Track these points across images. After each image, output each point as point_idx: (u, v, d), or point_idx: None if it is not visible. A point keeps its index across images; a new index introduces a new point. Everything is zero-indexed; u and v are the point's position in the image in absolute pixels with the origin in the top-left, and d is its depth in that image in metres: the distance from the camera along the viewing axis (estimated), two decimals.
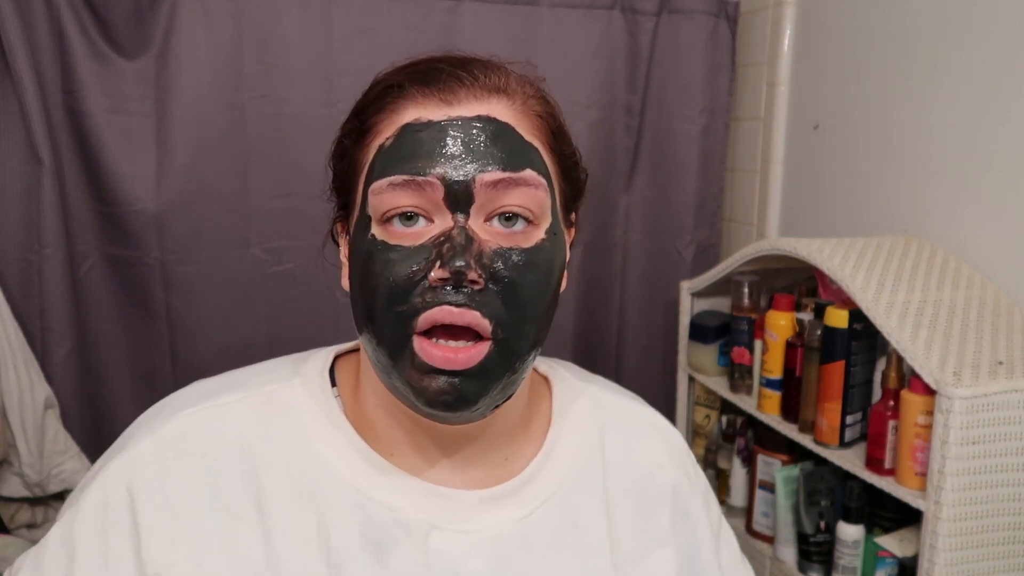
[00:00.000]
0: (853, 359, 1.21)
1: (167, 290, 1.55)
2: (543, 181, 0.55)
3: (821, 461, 1.29)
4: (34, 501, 1.51)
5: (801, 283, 1.51)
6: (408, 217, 0.53)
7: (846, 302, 1.21)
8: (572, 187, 0.61)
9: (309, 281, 1.59)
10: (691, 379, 1.69)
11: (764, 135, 1.77)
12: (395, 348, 0.53)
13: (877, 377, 1.24)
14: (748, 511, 1.48)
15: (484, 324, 0.52)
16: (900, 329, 1.09)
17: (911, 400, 1.07)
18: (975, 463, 1.00)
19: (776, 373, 1.35)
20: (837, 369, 1.21)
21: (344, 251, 0.61)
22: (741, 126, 1.86)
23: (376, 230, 0.54)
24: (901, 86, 1.41)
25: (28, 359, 1.46)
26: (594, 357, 1.88)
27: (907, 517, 1.19)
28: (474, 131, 0.53)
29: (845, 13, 1.55)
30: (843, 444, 1.22)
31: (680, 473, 0.70)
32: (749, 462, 1.49)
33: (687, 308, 1.66)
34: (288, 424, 0.59)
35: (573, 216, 0.63)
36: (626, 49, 1.73)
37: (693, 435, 1.72)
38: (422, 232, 0.53)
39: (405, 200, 0.53)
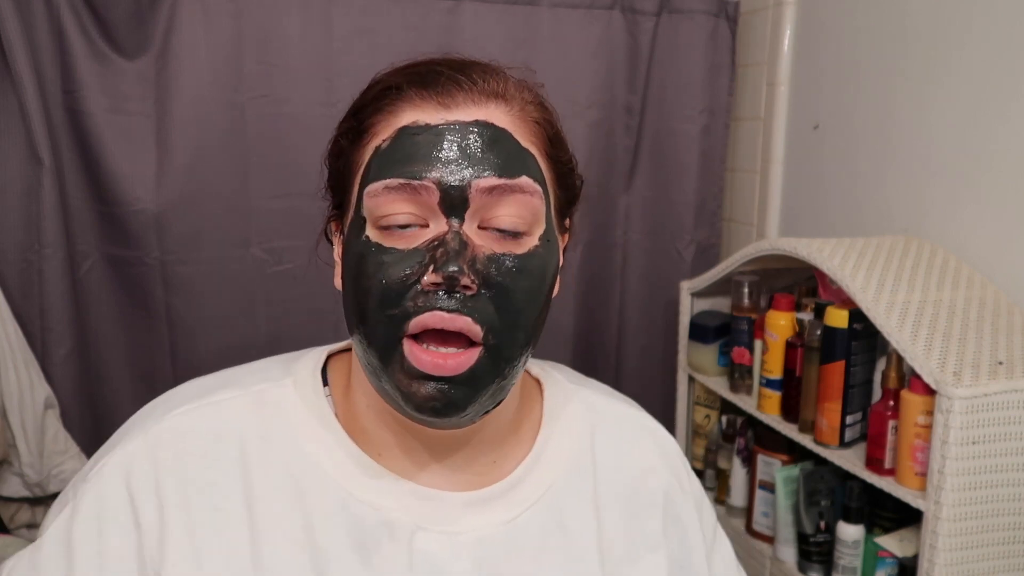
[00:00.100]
0: (853, 359, 1.21)
1: (167, 290, 1.55)
2: (538, 188, 0.55)
3: (821, 461, 1.29)
4: (34, 501, 1.51)
5: (801, 283, 1.51)
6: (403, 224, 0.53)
7: (846, 302, 1.21)
8: (567, 193, 0.61)
9: (309, 281, 1.59)
10: (691, 379, 1.69)
11: (764, 135, 1.77)
12: (385, 351, 0.53)
13: (877, 377, 1.24)
14: (748, 511, 1.47)
15: (475, 330, 0.52)
16: (900, 329, 1.09)
17: (911, 400, 1.07)
18: (975, 463, 1.00)
19: (776, 373, 1.35)
20: (837, 369, 1.21)
21: (337, 250, 0.61)
22: (741, 126, 1.86)
23: (370, 232, 0.54)
24: (901, 86, 1.41)
25: (28, 359, 1.46)
26: (594, 357, 1.88)
27: (907, 517, 1.19)
28: (471, 136, 0.53)
29: (845, 13, 1.55)
30: (843, 444, 1.22)
31: (672, 478, 0.70)
32: (749, 462, 1.49)
33: (687, 308, 1.66)
34: (278, 424, 0.59)
35: (568, 222, 0.63)
36: (626, 49, 1.73)
37: (693, 435, 1.72)
38: (416, 235, 0.53)
39: (400, 204, 0.53)
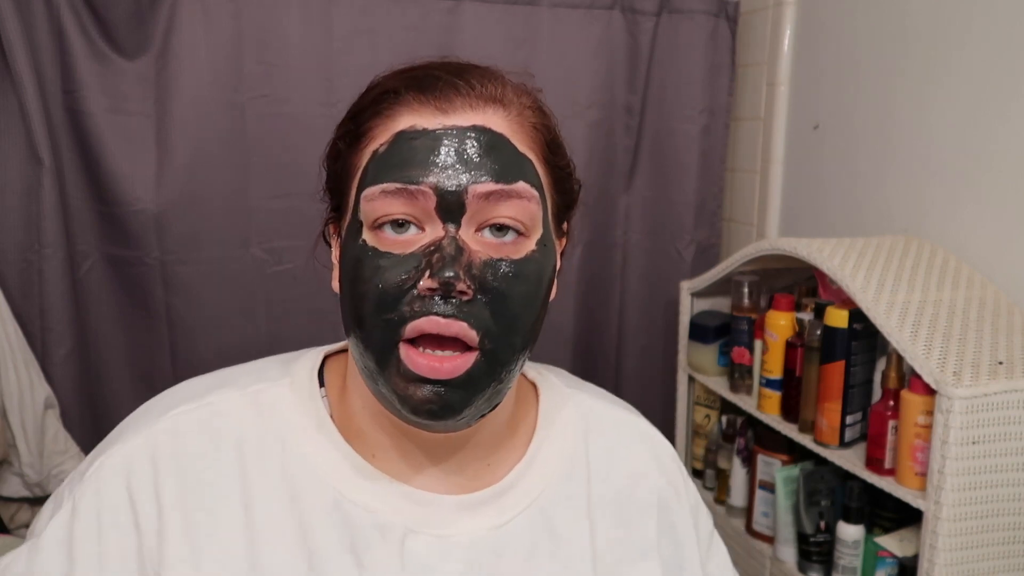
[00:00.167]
0: (853, 359, 1.21)
1: (167, 290, 1.55)
2: (535, 193, 0.55)
3: (821, 461, 1.29)
4: (34, 501, 1.51)
5: (801, 283, 1.51)
6: (399, 224, 0.53)
7: (846, 302, 1.21)
8: (565, 198, 0.61)
9: (309, 281, 1.59)
10: (691, 379, 1.69)
11: (764, 135, 1.77)
12: (382, 354, 0.53)
13: (877, 377, 1.24)
14: (748, 511, 1.47)
15: (471, 335, 0.52)
16: (900, 329, 1.09)
17: (911, 400, 1.07)
18: (975, 463, 1.00)
19: (776, 373, 1.35)
20: (837, 369, 1.21)
21: (335, 253, 0.61)
22: (741, 126, 1.86)
23: (367, 235, 0.54)
24: (901, 86, 1.41)
25: (28, 359, 1.46)
26: (594, 357, 1.88)
27: (907, 517, 1.19)
28: (468, 141, 0.53)
29: (845, 13, 1.55)
30: (843, 444, 1.22)
31: (667, 484, 0.70)
32: (749, 462, 1.49)
33: (687, 308, 1.66)
34: (274, 424, 0.59)
35: (565, 226, 0.63)
36: (626, 49, 1.73)
37: (693, 435, 1.72)
38: (413, 240, 0.53)
39: (397, 207, 0.53)
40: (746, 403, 1.45)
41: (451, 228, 0.52)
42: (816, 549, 1.29)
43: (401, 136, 0.54)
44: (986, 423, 1.00)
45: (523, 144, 0.56)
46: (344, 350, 0.66)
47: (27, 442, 1.44)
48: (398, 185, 0.52)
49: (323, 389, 0.63)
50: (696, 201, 1.84)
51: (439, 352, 0.52)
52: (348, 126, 0.58)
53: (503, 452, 0.64)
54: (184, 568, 0.54)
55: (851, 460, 1.19)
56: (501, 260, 0.53)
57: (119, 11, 1.47)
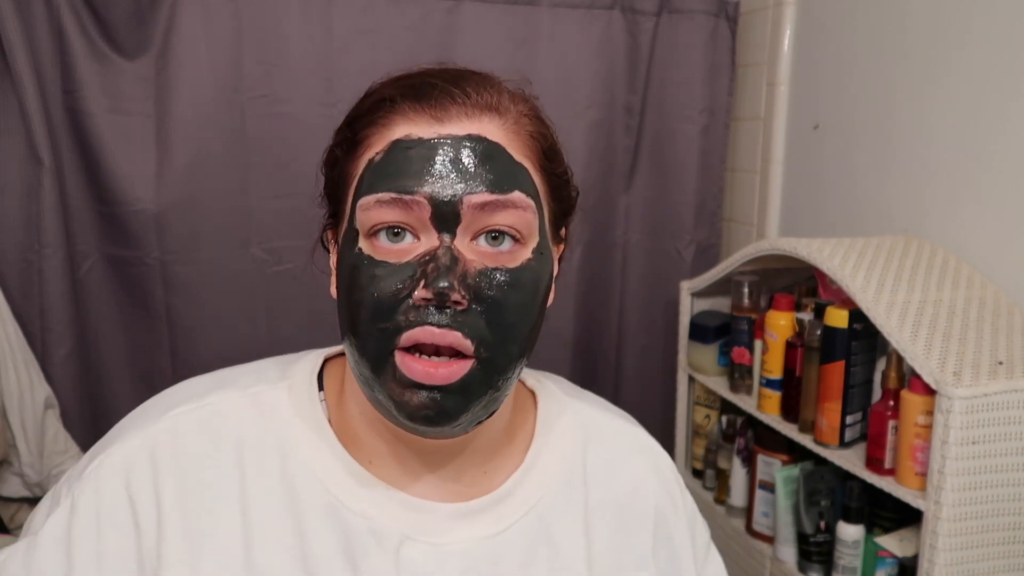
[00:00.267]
0: (853, 359, 1.21)
1: (167, 290, 1.55)
2: (531, 203, 0.55)
3: (821, 461, 1.29)
4: (34, 501, 1.51)
5: (801, 283, 1.51)
6: (395, 233, 0.53)
7: (846, 302, 1.21)
8: (562, 205, 0.61)
9: (309, 281, 1.59)
10: (691, 379, 1.69)
11: (764, 135, 1.77)
12: (377, 362, 0.53)
13: (877, 377, 1.24)
14: (748, 511, 1.47)
15: (466, 344, 0.52)
16: (900, 329, 1.09)
17: (911, 400, 1.07)
18: (975, 463, 1.00)
19: (776, 373, 1.35)
20: (837, 369, 1.21)
21: (333, 259, 0.61)
22: (741, 126, 1.86)
23: (363, 244, 0.54)
24: (901, 86, 1.41)
25: (28, 359, 1.46)
26: (594, 358, 1.88)
27: (907, 517, 1.19)
28: (463, 150, 0.53)
29: (845, 13, 1.55)
30: (843, 444, 1.22)
31: (665, 495, 0.70)
32: (749, 462, 1.49)
33: (687, 308, 1.66)
34: (272, 427, 0.59)
35: (563, 231, 0.63)
36: (626, 49, 1.73)
37: (693, 435, 1.72)
38: (408, 249, 0.53)
39: (392, 216, 0.53)
40: (746, 403, 1.45)
41: (446, 238, 0.52)
42: (816, 549, 1.29)
43: (397, 145, 0.54)
44: (986, 423, 1.00)
45: (519, 152, 0.55)
46: (343, 354, 0.66)
47: (27, 442, 1.44)
48: (393, 195, 0.52)
49: (322, 393, 0.63)
50: (696, 201, 1.84)
51: (434, 358, 0.52)
52: (345, 133, 0.58)
53: (500, 459, 0.64)
54: (182, 568, 0.54)
55: (851, 460, 1.19)
56: (496, 269, 0.53)
57: (119, 11, 1.47)
